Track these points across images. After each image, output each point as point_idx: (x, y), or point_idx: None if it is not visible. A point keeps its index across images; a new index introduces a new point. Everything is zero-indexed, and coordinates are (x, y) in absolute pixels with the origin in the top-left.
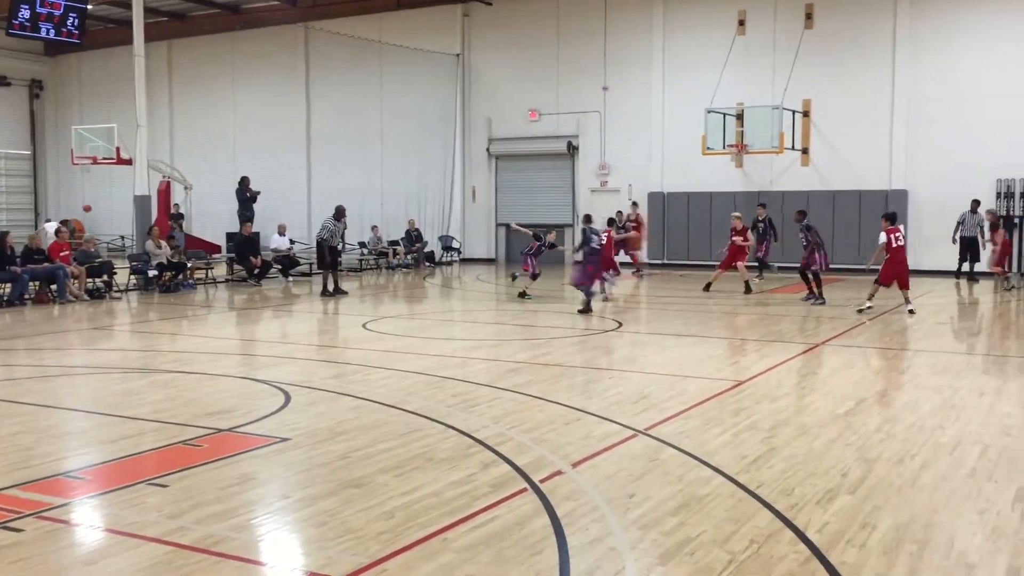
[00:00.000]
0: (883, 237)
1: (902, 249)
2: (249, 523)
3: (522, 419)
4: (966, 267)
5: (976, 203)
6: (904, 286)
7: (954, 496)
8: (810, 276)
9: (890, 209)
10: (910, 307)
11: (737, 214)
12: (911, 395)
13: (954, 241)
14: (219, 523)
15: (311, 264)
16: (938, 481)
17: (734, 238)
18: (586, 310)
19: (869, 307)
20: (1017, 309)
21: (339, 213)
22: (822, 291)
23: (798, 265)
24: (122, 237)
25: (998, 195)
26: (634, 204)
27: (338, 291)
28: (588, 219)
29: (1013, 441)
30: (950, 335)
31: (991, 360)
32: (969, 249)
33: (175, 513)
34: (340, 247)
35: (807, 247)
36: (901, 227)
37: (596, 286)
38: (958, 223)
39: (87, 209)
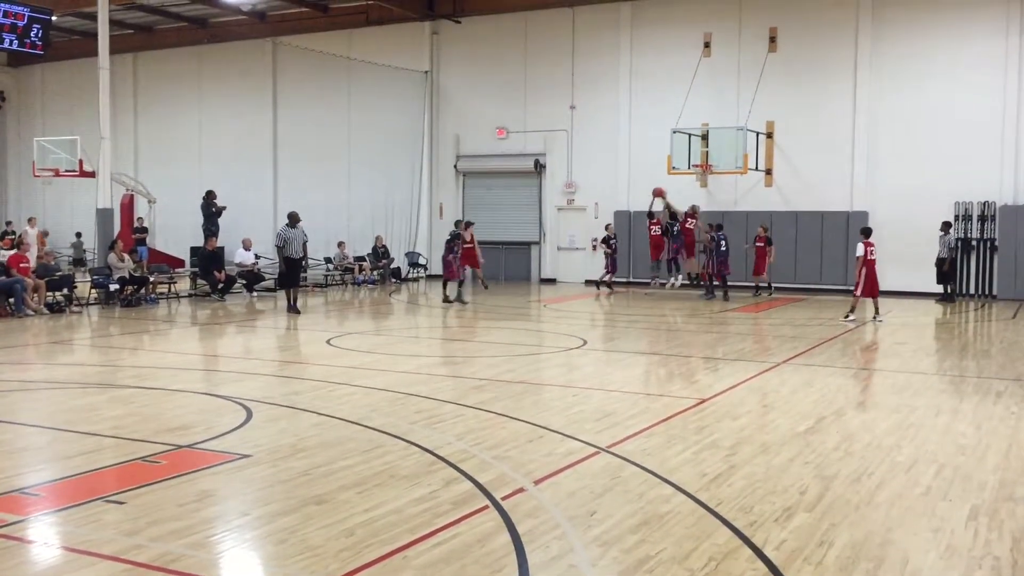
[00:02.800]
0: (860, 249)
1: (874, 262)
2: (208, 540)
3: (485, 436)
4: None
5: (947, 224)
6: (876, 296)
7: (909, 514)
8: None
9: (846, 231)
10: (880, 317)
11: (763, 224)
12: (869, 414)
13: (936, 265)
14: (177, 540)
15: (276, 279)
16: (894, 499)
17: (757, 244)
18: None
19: (852, 318)
20: (975, 330)
21: (293, 219)
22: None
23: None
24: (77, 235)
25: (956, 217)
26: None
27: (292, 309)
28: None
29: (967, 460)
30: (908, 354)
31: (948, 380)
32: (944, 270)
33: (132, 530)
34: (302, 257)
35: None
36: (874, 242)
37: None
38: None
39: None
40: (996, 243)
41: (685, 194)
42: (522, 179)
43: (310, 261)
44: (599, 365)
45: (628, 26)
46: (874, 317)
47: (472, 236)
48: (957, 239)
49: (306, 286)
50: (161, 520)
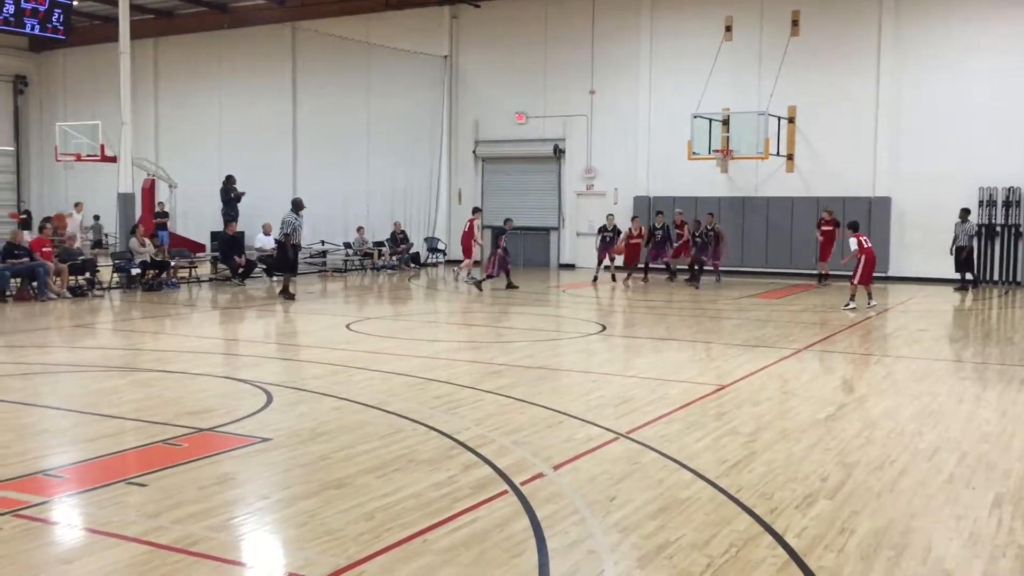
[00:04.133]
0: (854, 243)
1: (872, 250)
2: (228, 523)
3: (504, 421)
4: (968, 276)
5: (966, 212)
6: (869, 284)
7: (932, 502)
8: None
9: (868, 216)
10: (873, 303)
11: (828, 208)
12: (891, 401)
13: (951, 252)
14: (198, 523)
15: (274, 265)
16: (916, 487)
17: (824, 228)
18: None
19: (852, 306)
20: (998, 317)
21: (299, 206)
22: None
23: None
24: (95, 218)
25: (980, 203)
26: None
27: (286, 294)
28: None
29: (991, 448)
30: (930, 341)
31: (971, 367)
32: (963, 258)
33: (154, 512)
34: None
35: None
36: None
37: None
38: (955, 235)
39: (14, 216)
40: (1021, 229)
41: (706, 180)
42: (541, 164)
43: (330, 247)
44: (618, 351)
45: (648, 10)
46: (868, 304)
47: (472, 224)
48: (980, 225)
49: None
50: (183, 502)
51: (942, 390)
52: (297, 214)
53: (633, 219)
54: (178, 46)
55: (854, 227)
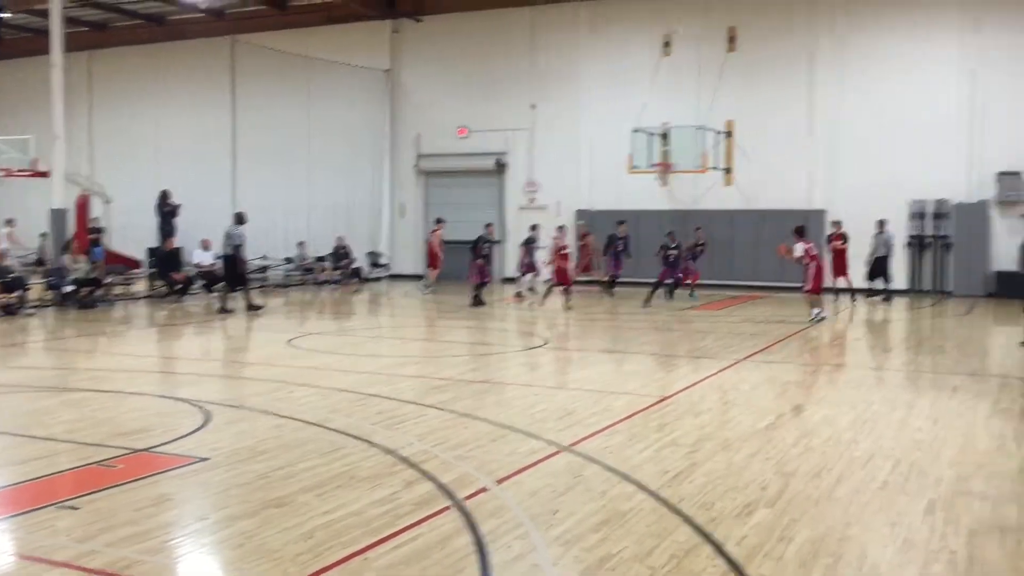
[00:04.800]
0: (800, 249)
1: (819, 257)
2: (164, 546)
3: (447, 436)
4: (880, 285)
5: (881, 223)
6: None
7: (867, 509)
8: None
9: (803, 225)
10: (823, 313)
11: (836, 221)
12: (828, 410)
13: (866, 263)
14: (132, 546)
15: (227, 279)
16: (852, 494)
17: (834, 243)
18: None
19: (823, 314)
20: (931, 326)
21: (243, 219)
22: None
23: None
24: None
25: (911, 215)
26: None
27: (225, 311)
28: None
29: (923, 455)
30: (865, 351)
31: (904, 375)
32: (878, 268)
33: (85, 536)
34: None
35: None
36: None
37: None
38: (873, 245)
39: None
40: (950, 240)
41: (647, 193)
42: (483, 178)
43: (271, 261)
44: (561, 364)
45: (588, 25)
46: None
47: (435, 235)
48: (914, 236)
49: (262, 285)
50: (116, 525)
51: (876, 398)
52: (242, 225)
53: (570, 230)
54: (113, 59)
55: (800, 232)
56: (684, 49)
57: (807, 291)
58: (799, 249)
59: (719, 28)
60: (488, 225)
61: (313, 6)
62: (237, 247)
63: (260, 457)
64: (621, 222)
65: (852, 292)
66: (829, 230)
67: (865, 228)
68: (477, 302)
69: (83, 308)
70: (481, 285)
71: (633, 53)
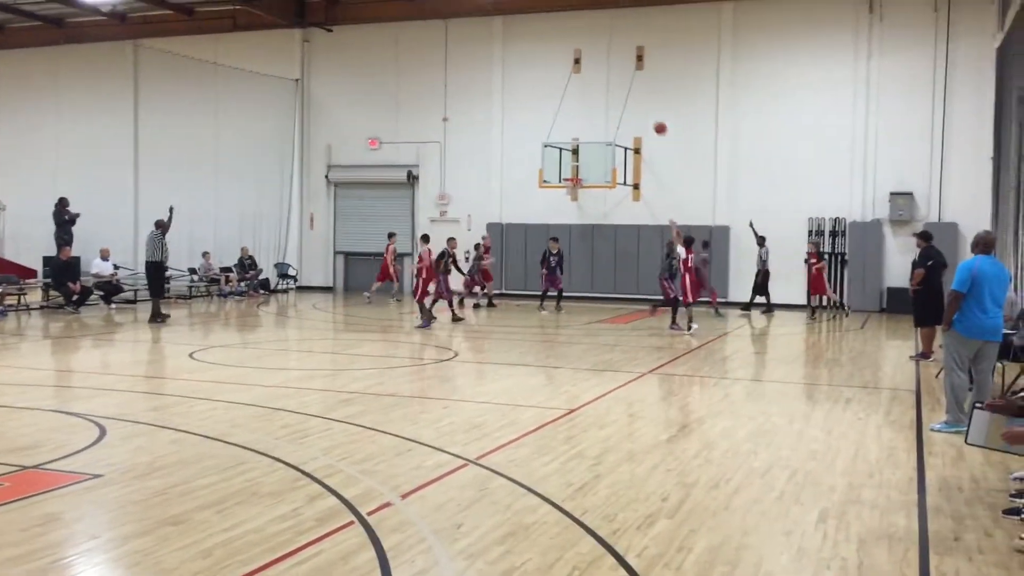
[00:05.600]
0: (682, 252)
1: (693, 270)
2: (52, 566)
3: (353, 450)
4: (760, 299)
5: (761, 239)
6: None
7: (764, 518)
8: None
9: (687, 235)
10: (695, 326)
11: (813, 239)
12: (728, 421)
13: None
14: (18, 567)
15: (136, 291)
16: (750, 504)
17: (810, 262)
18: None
19: (695, 327)
20: (828, 339)
21: (167, 226)
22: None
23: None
24: None
25: (810, 232)
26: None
27: (161, 317)
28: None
29: (818, 465)
30: (764, 364)
31: (802, 388)
32: (762, 282)
33: None
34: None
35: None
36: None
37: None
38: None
39: None
40: (846, 257)
41: (557, 207)
42: (395, 190)
43: (174, 272)
44: (470, 377)
45: (500, 40)
46: (672, 323)
47: (388, 249)
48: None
49: (168, 296)
50: (2, 545)
51: (775, 410)
52: (164, 235)
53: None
54: (10, 61)
55: (688, 243)
56: (594, 66)
57: (687, 301)
58: (681, 252)
59: (627, 46)
60: (450, 239)
61: (221, 12)
62: (166, 256)
63: (157, 473)
64: (554, 239)
65: (812, 309)
66: (808, 249)
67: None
68: (455, 317)
69: None
70: (438, 300)
71: (544, 69)
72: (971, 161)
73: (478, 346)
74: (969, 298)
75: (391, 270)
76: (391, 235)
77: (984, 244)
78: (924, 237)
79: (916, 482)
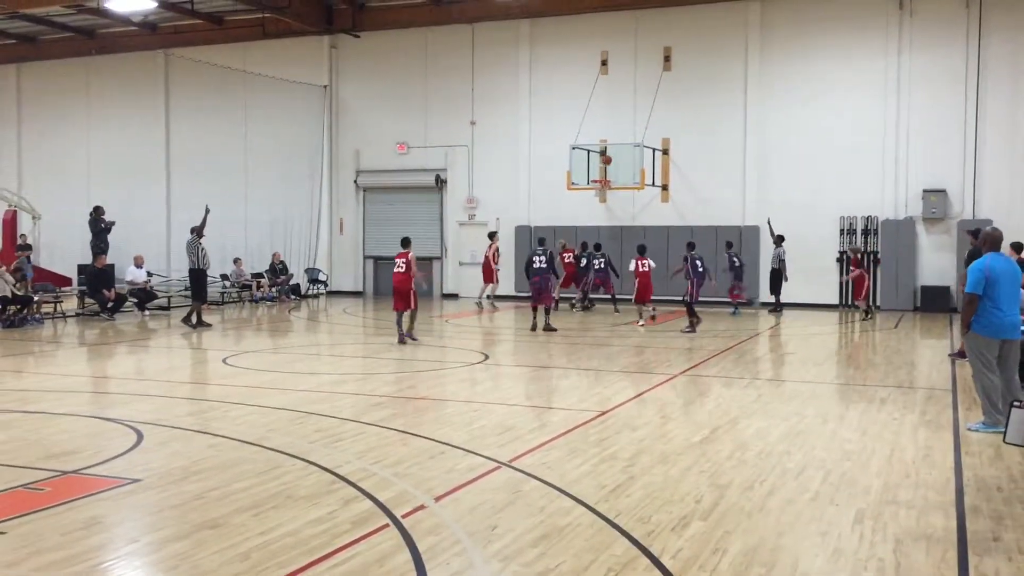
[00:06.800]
0: (632, 264)
1: (646, 274)
2: (93, 569)
3: (386, 454)
4: (772, 299)
5: (779, 238)
6: (645, 302)
7: (799, 519)
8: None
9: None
10: (642, 322)
11: (854, 247)
12: (761, 422)
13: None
14: (60, 571)
15: (169, 298)
16: (784, 505)
17: (854, 269)
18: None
19: (642, 323)
20: (860, 340)
21: (201, 228)
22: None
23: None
24: None
25: (841, 231)
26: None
27: (202, 324)
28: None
29: (853, 466)
30: (797, 364)
31: (835, 388)
32: (773, 281)
33: (12, 561)
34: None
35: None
36: (648, 258)
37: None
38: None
39: None
40: (878, 256)
41: (586, 210)
42: (423, 194)
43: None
44: (501, 379)
45: (527, 43)
46: (638, 322)
47: (491, 248)
48: (843, 252)
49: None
50: (44, 550)
51: (808, 411)
52: (201, 239)
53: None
54: (43, 72)
55: (641, 251)
56: (621, 67)
57: (635, 301)
58: (632, 264)
59: (655, 47)
60: (541, 240)
61: (250, 21)
62: (208, 262)
63: (194, 477)
64: (562, 242)
65: (861, 309)
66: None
67: (797, 244)
68: (547, 327)
69: (10, 327)
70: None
71: (571, 71)
72: (1005, 157)
73: (509, 348)
74: (984, 298)
75: (494, 271)
76: (492, 234)
77: (992, 241)
78: (976, 235)
79: (954, 482)
